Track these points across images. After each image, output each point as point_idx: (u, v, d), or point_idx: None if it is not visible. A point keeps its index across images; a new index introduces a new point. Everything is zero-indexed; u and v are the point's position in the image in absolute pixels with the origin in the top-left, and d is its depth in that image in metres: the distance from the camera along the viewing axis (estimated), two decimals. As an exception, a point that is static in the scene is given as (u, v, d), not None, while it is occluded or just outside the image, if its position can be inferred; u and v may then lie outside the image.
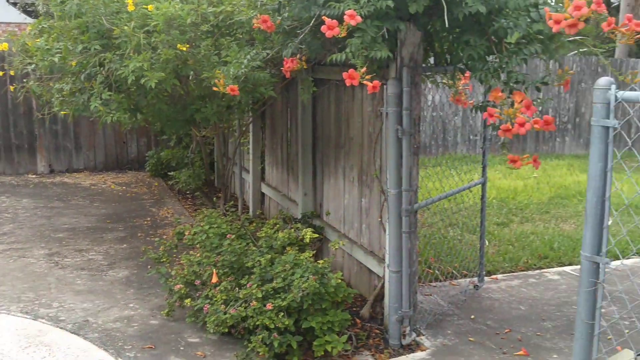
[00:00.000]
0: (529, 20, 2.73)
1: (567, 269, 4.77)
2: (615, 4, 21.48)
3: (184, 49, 3.53)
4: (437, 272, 4.40)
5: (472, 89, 4.16)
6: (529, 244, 5.30)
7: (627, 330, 3.49)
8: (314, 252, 3.93)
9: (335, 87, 4.11)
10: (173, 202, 6.89)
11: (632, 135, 11.56)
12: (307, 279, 3.05)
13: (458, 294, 4.10)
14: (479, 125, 10.73)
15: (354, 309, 3.79)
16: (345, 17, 2.44)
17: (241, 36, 3.89)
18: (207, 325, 3.24)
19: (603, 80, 2.00)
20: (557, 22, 2.34)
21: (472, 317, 3.79)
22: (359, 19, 2.41)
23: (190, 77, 3.86)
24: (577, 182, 8.34)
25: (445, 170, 4.38)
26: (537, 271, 4.72)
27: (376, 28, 2.53)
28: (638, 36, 2.70)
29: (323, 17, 2.59)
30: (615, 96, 1.97)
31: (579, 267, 4.81)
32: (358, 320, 3.62)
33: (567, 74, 3.04)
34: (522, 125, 2.47)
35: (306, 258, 3.32)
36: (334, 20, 2.51)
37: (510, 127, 2.52)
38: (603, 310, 2.24)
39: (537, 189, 7.81)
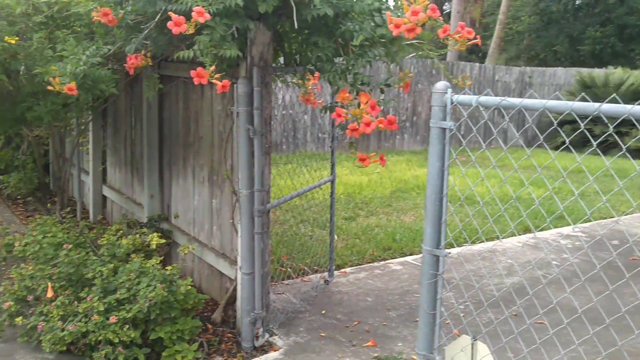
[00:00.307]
0: (373, 24, 2.84)
1: (409, 258, 5.08)
2: (447, 11, 23.29)
3: (13, 41, 3.19)
4: (289, 269, 4.44)
5: (321, 89, 4.25)
6: (374, 237, 5.56)
7: (462, 314, 3.80)
8: (162, 257, 3.76)
9: (183, 84, 3.96)
10: (1, 209, 6.22)
11: (466, 134, 12.69)
12: (154, 287, 2.90)
13: (310, 290, 4.18)
14: (327, 124, 11.06)
15: (206, 314, 3.69)
16: (193, 13, 2.35)
17: (80, 29, 3.59)
18: (43, 344, 2.95)
19: (440, 85, 2.13)
20: (397, 26, 2.46)
21: (323, 312, 3.88)
22: (207, 16, 2.33)
23: (21, 72, 3.49)
24: (416, 176, 8.95)
25: (296, 167, 4.43)
26: (382, 262, 4.97)
27: (225, 26, 2.47)
28: (470, 43, 2.92)
29: (170, 12, 2.46)
30: (451, 99, 2.10)
31: (419, 256, 5.18)
32: (210, 326, 3.53)
33: (407, 76, 3.21)
34: (368, 125, 2.56)
35: (153, 265, 3.15)
36: (182, 17, 2.40)
37: (357, 127, 2.60)
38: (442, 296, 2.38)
39: (380, 184, 8.23)
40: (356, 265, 4.86)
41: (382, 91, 2.86)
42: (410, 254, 5.20)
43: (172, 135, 4.26)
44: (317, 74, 3.18)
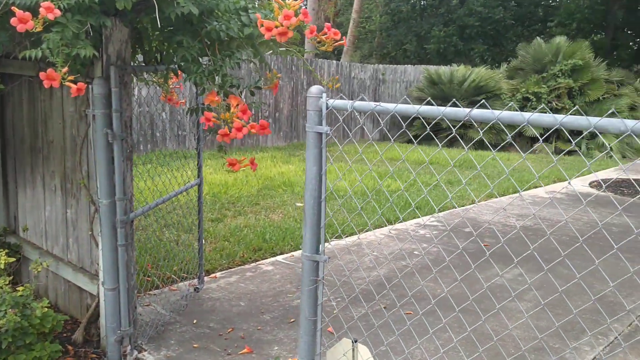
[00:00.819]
0: (239, 23, 2.75)
1: (280, 258, 5.07)
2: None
3: None
4: (155, 279, 4.21)
5: (183, 87, 4.06)
6: (243, 238, 5.47)
7: (335, 311, 3.85)
8: (11, 277, 3.37)
9: (29, 83, 3.57)
10: None
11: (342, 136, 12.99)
12: (5, 313, 2.58)
13: (179, 300, 3.99)
14: (187, 122, 10.71)
15: (65, 334, 3.37)
16: (41, 9, 2.09)
17: None
18: None
19: (315, 89, 2.10)
20: (269, 29, 2.39)
21: (195, 321, 3.72)
22: (57, 12, 2.08)
23: None
24: (281, 173, 8.98)
25: (157, 167, 4.19)
26: (253, 264, 4.90)
27: (79, 23, 2.23)
28: (336, 44, 2.94)
29: (13, 7, 2.17)
30: (327, 104, 2.09)
31: (289, 255, 5.19)
32: (71, 348, 3.23)
33: (275, 77, 3.16)
34: (239, 130, 2.47)
35: (1, 287, 2.81)
36: (27, 12, 2.12)
37: (228, 132, 2.50)
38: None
39: (246, 182, 8.14)
40: (227, 269, 4.74)
41: (252, 93, 2.78)
42: (281, 253, 5.19)
43: (16, 139, 3.83)
44: (180, 72, 3.02)
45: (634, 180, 9.76)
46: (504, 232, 6.11)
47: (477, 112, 1.75)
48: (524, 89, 13.92)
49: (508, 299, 4.15)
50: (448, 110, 1.80)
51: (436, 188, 8.43)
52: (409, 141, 14.29)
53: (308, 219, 2.19)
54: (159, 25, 2.47)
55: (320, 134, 2.11)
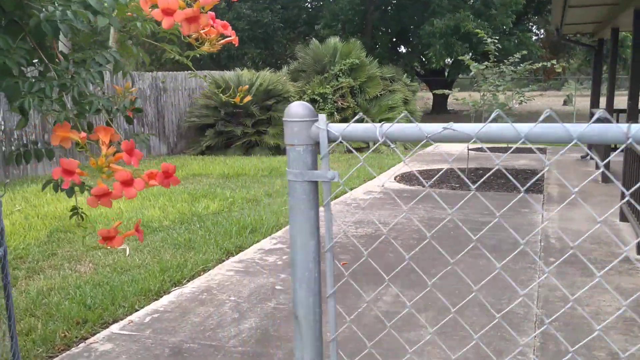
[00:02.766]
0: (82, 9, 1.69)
1: (115, 328, 3.87)
2: None
3: None
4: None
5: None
6: (55, 308, 4.12)
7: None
8: None
9: None
10: None
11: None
12: None
13: None
14: None
15: None
16: None
17: None
18: None
19: (300, 108, 1.25)
20: (169, 12, 1.44)
21: None
22: None
23: None
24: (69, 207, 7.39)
25: None
26: (83, 344, 3.64)
27: None
28: (223, 41, 2.10)
29: None
30: (329, 133, 1.24)
31: (127, 321, 4.00)
32: None
33: (128, 91, 2.16)
34: (128, 183, 1.45)
35: None
36: None
37: (110, 190, 1.46)
38: None
39: (29, 225, 6.47)
40: (47, 361, 3.43)
41: (129, 120, 1.74)
42: (115, 321, 3.98)
43: None
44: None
45: (427, 170, 10.28)
46: (353, 245, 5.68)
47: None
48: (310, 91, 13.96)
49: (403, 330, 3.65)
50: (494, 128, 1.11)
51: (254, 203, 7.73)
52: (202, 153, 13.35)
53: (304, 332, 1.32)
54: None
55: (316, 183, 1.27)
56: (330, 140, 1.27)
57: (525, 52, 9.65)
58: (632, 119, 6.15)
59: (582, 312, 3.99)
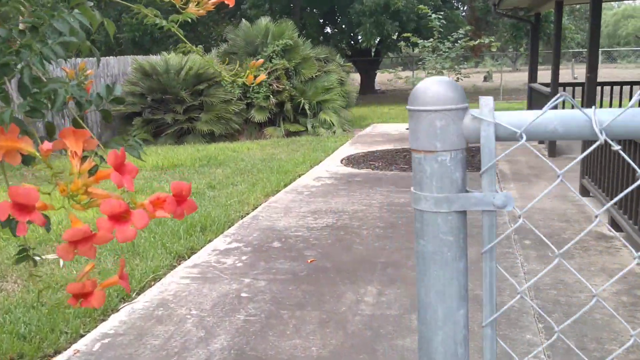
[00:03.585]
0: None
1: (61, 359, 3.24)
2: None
3: None
4: None
5: None
6: (-20, 342, 3.42)
7: None
8: None
9: None
10: None
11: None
12: None
13: None
14: None
15: None
16: None
17: None
18: None
19: (453, 94, 0.76)
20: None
21: None
22: None
23: None
24: None
25: None
26: (19, 387, 3.00)
27: None
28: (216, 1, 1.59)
29: None
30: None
31: (72, 352, 3.36)
32: None
33: (83, 74, 1.61)
34: (123, 219, 0.91)
35: None
36: None
37: (91, 233, 0.91)
38: None
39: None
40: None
41: (107, 117, 1.18)
42: (56, 353, 3.34)
43: None
44: None
45: (372, 152, 9.96)
46: (317, 238, 5.22)
47: None
48: (243, 74, 13.26)
49: (393, 338, 3.25)
50: None
51: (198, 197, 7.11)
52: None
53: None
54: None
55: (465, 215, 0.79)
56: (499, 138, 0.80)
57: (469, 27, 9.45)
58: (590, 92, 6.01)
59: (578, 300, 3.74)
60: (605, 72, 29.52)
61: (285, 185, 7.52)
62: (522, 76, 37.12)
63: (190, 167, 9.23)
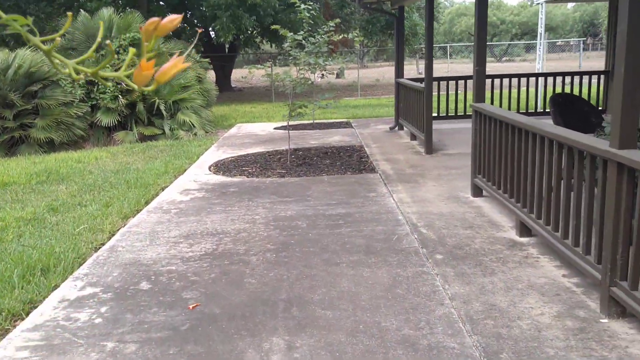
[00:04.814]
0: None
1: None
2: None
3: None
4: None
5: None
6: None
7: None
8: None
9: None
10: None
11: None
12: None
13: None
14: None
15: None
16: None
17: None
18: None
19: None
20: None
21: None
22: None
23: None
24: None
25: None
26: None
27: None
28: None
29: None
30: None
31: None
32: None
33: None
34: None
35: None
36: None
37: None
38: None
39: None
40: None
41: None
42: None
43: None
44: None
45: (243, 157, 9.08)
46: (196, 272, 4.25)
47: None
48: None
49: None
50: None
51: (37, 225, 5.76)
52: (-55, 158, 10.27)
53: None
54: None
55: None
56: None
57: (338, 20, 8.87)
58: (479, 86, 5.66)
59: (521, 331, 3.20)
60: (443, 67, 31.24)
61: (147, 203, 6.38)
62: (371, 72, 38.23)
63: (25, 184, 7.65)
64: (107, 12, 12.73)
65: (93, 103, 11.69)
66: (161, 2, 20.65)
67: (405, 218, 5.36)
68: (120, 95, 11.71)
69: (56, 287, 4.10)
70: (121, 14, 13.14)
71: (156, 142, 11.33)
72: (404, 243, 4.69)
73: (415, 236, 4.85)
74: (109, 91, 11.62)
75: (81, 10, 13.47)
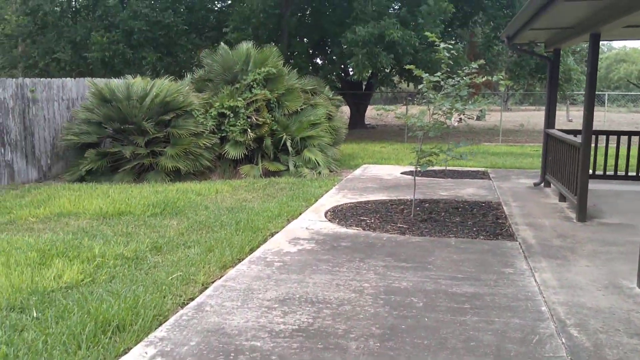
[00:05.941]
0: None
1: None
2: None
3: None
4: None
5: None
6: None
7: None
8: None
9: None
10: None
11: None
12: None
13: None
14: None
15: None
16: None
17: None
18: None
19: None
20: None
21: None
22: None
23: None
24: None
25: None
26: None
27: None
28: None
29: None
30: None
31: None
32: None
33: None
34: None
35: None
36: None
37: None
38: None
39: None
40: None
41: None
42: None
43: None
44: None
45: (363, 203, 8.33)
46: (281, 355, 3.52)
47: None
48: (217, 104, 11.69)
49: None
50: None
51: (134, 265, 5.41)
52: (82, 179, 10.68)
53: None
54: None
55: None
56: None
57: (482, 61, 7.95)
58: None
59: None
60: (598, 115, 28.43)
61: (252, 251, 5.83)
62: (515, 116, 36.14)
63: (139, 215, 7.51)
64: (245, 45, 12.80)
65: (222, 135, 11.67)
66: (304, 39, 20.87)
67: (550, 310, 4.27)
68: (249, 129, 11.58)
69: (126, 351, 3.57)
70: (260, 47, 13.17)
71: (279, 179, 10.99)
72: (547, 349, 3.62)
73: (563, 340, 3.76)
74: (239, 124, 11.55)
75: (222, 43, 13.72)
